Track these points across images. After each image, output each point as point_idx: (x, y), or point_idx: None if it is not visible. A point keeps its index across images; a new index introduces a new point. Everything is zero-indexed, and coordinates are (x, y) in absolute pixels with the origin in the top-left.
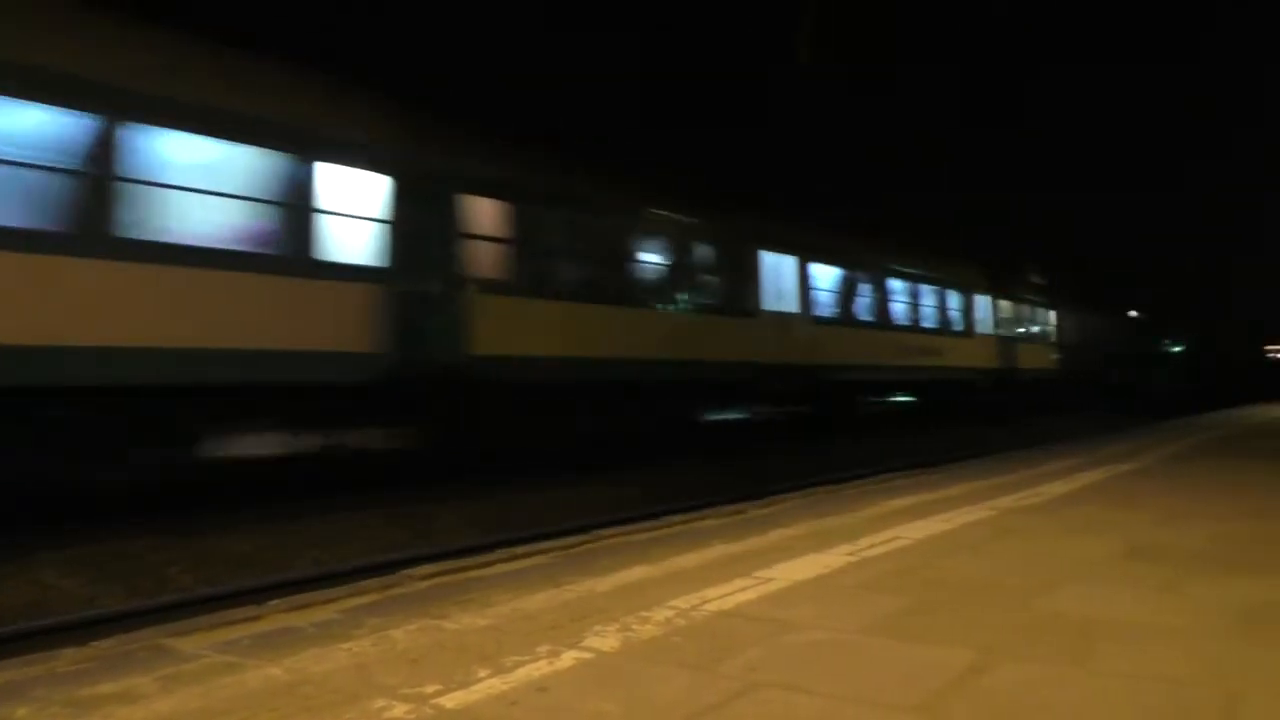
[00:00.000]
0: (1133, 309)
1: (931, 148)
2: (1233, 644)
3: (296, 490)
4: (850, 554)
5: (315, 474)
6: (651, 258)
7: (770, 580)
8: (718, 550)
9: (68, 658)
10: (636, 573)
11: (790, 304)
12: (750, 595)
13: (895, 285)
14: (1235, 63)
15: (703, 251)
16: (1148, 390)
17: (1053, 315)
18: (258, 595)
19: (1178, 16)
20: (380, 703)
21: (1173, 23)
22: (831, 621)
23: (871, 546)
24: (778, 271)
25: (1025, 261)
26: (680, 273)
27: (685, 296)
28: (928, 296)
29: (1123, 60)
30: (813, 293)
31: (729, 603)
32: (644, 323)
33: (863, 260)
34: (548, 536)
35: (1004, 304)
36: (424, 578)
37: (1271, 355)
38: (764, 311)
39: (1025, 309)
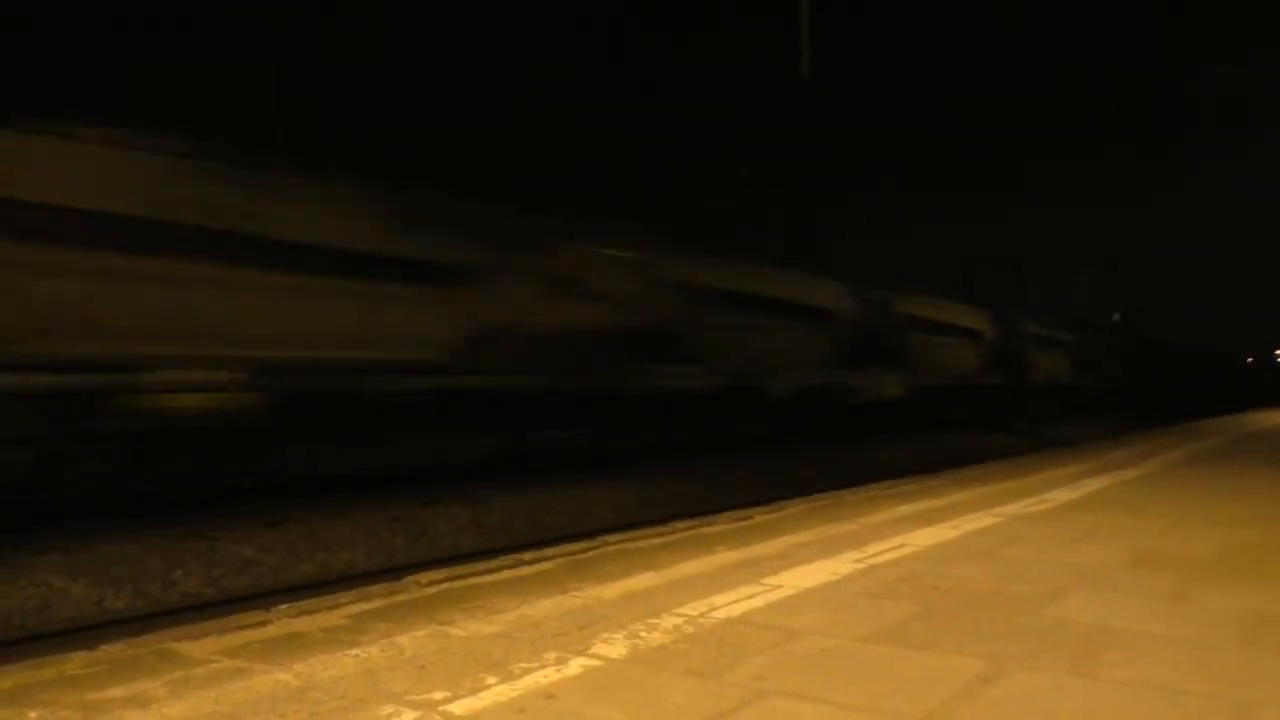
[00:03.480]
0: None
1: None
2: (1242, 654)
3: (303, 493)
4: (858, 561)
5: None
6: None
7: (778, 587)
8: (724, 557)
9: (77, 661)
10: (643, 580)
11: None
12: (758, 603)
13: None
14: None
15: None
16: None
17: None
18: (265, 600)
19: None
20: (388, 709)
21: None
22: (839, 629)
23: (879, 553)
24: None
25: None
26: None
27: None
28: None
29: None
30: None
31: (736, 610)
32: None
33: None
34: (554, 542)
35: None
36: (430, 584)
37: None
38: None
39: None
